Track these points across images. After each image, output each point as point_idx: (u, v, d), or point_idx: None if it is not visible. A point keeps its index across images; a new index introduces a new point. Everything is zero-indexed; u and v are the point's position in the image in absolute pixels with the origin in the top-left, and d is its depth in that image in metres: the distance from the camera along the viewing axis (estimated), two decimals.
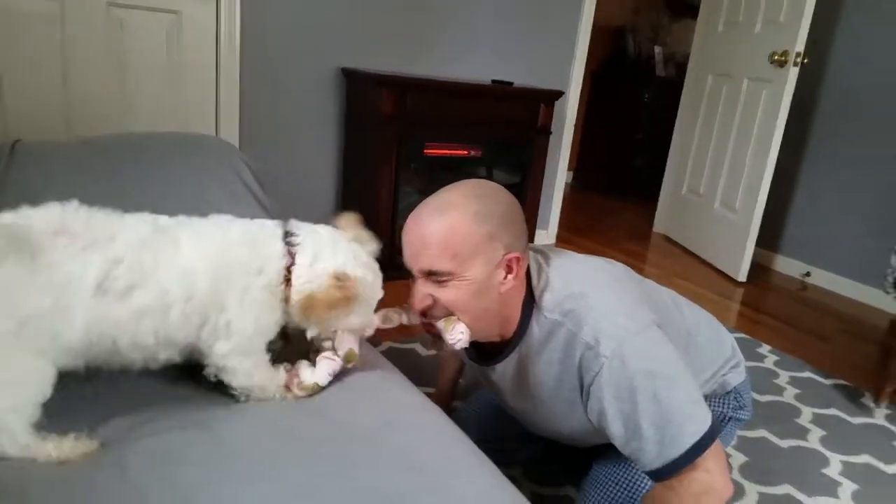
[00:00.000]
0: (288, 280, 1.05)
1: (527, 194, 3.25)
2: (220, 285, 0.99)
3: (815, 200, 3.60)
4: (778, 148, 3.27)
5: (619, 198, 5.31)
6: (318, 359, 1.11)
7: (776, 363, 2.43)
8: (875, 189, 3.29)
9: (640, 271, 1.77)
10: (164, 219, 1.05)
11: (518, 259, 1.10)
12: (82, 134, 2.24)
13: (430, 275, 1.07)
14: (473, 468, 0.93)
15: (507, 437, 1.52)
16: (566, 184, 4.30)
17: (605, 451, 1.35)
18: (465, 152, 3.09)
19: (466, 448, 1.00)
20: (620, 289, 1.16)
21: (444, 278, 1.06)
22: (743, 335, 2.66)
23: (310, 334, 1.11)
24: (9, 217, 0.93)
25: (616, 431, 1.05)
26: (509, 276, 1.09)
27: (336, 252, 1.07)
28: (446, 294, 1.07)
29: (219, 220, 1.09)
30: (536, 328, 1.13)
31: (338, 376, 1.11)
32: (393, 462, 0.88)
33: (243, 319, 1.01)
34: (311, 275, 1.04)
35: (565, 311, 1.09)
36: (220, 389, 1.06)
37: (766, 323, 2.92)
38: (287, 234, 1.08)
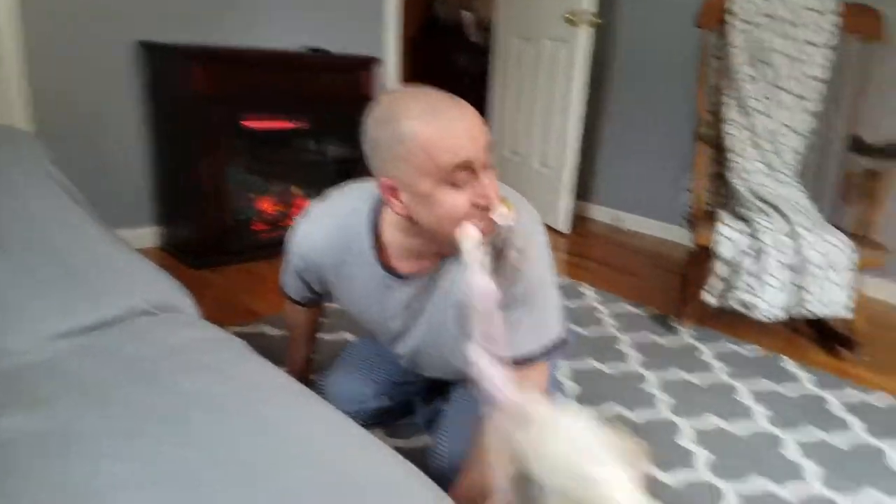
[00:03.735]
0: None
1: (359, 168, 3.16)
2: None
3: (620, 151, 3.93)
4: (581, 104, 3.50)
5: None
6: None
7: (597, 300, 2.61)
8: (666, 137, 3.65)
9: None
10: None
11: None
12: None
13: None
14: (349, 434, 0.93)
15: (365, 400, 1.55)
16: None
17: (454, 397, 1.44)
18: (291, 125, 2.99)
19: (336, 416, 0.97)
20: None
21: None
22: (569, 280, 2.84)
23: None
24: None
25: None
26: None
27: None
28: (494, 180, 1.02)
29: None
30: None
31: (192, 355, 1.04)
32: (264, 433, 0.86)
33: None
34: None
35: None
36: None
37: (588, 266, 3.14)
38: None
